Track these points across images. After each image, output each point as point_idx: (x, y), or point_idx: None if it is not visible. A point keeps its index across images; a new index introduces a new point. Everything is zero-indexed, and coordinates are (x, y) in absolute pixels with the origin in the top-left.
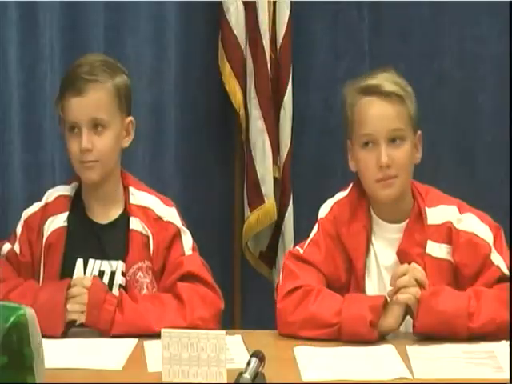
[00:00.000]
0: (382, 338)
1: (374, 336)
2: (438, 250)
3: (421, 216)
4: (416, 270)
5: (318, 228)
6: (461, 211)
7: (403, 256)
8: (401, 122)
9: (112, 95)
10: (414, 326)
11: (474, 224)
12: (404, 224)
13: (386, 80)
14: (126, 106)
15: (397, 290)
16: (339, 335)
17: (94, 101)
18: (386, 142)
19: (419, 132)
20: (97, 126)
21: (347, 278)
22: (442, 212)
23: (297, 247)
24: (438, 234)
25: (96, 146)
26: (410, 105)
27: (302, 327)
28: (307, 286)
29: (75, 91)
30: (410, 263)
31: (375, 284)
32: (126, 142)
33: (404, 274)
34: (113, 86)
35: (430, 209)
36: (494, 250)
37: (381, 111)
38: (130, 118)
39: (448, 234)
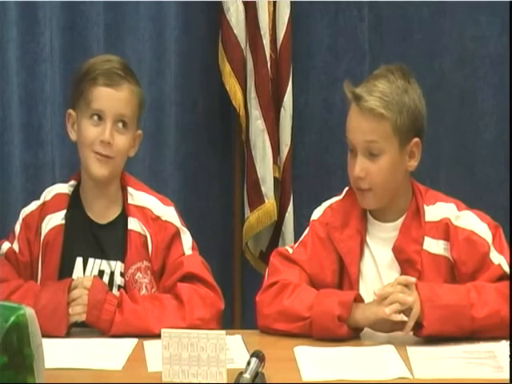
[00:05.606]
0: (355, 336)
1: (343, 331)
2: (435, 246)
3: (418, 213)
4: (396, 292)
5: (309, 230)
6: (459, 209)
7: (398, 252)
8: (375, 135)
9: (137, 99)
10: (421, 328)
11: (473, 222)
12: (398, 222)
13: (373, 92)
14: (140, 118)
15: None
16: (310, 330)
17: (125, 97)
18: (363, 153)
19: (415, 139)
20: (121, 122)
21: (334, 280)
22: (439, 209)
23: (286, 247)
24: (435, 230)
25: (116, 142)
26: (397, 117)
27: (276, 320)
28: (284, 280)
29: (110, 82)
30: (405, 261)
31: (369, 286)
32: (132, 152)
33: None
34: (139, 92)
35: (428, 206)
36: (493, 248)
37: (357, 123)
38: (140, 131)
39: (446, 230)
